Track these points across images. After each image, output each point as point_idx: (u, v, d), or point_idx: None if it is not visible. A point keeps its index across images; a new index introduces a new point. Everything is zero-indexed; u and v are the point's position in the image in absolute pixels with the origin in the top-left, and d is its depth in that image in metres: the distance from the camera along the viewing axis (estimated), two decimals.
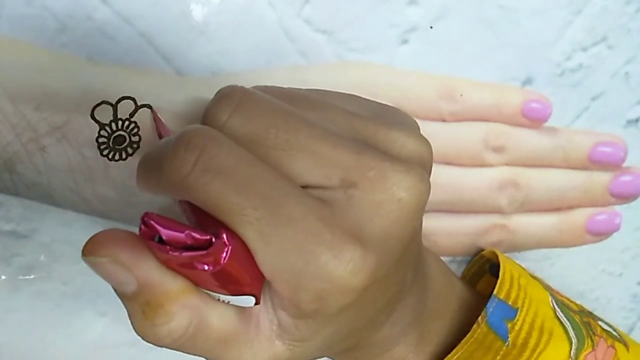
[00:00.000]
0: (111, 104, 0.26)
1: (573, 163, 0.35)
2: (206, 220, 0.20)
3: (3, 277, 0.29)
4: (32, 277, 0.30)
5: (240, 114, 0.21)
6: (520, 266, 0.33)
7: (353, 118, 0.23)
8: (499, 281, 0.30)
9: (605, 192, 0.36)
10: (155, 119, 0.27)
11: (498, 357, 0.28)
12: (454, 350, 0.28)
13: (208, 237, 0.20)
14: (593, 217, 0.37)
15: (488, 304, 0.29)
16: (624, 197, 0.37)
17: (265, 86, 0.24)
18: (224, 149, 0.20)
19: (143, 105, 0.27)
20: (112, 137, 0.27)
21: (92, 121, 0.26)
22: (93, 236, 0.21)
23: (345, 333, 0.24)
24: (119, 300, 0.23)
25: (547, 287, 0.33)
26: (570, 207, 0.36)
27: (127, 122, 0.27)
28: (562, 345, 0.29)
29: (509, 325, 0.29)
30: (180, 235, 0.20)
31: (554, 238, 0.36)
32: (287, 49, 0.29)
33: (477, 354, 0.28)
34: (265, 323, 0.22)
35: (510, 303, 0.30)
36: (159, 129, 0.26)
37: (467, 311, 0.30)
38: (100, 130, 0.26)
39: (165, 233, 0.19)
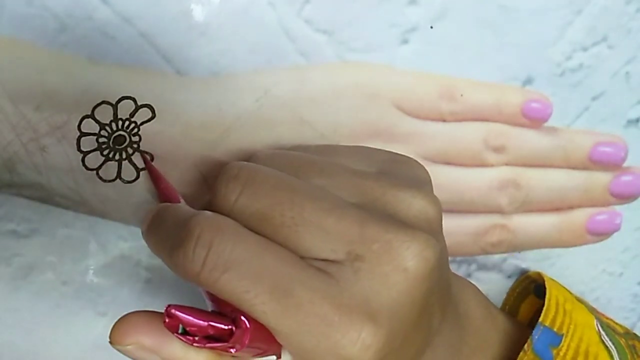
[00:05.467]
0: (111, 104, 0.26)
1: (573, 163, 0.35)
2: (223, 303, 0.22)
3: (3, 277, 0.29)
4: (32, 277, 0.30)
5: (248, 194, 0.23)
6: (566, 289, 0.34)
7: (360, 180, 0.24)
8: (544, 308, 0.31)
9: (606, 192, 0.36)
10: (152, 170, 0.27)
11: None
12: None
13: (229, 326, 0.21)
14: (593, 217, 0.37)
15: (534, 331, 0.29)
16: (624, 197, 0.37)
17: (273, 152, 0.25)
18: (230, 243, 0.21)
19: (143, 105, 0.27)
20: (112, 137, 0.27)
21: (92, 121, 0.26)
22: (117, 323, 0.22)
23: None
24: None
25: (593, 310, 0.33)
26: (571, 207, 0.36)
27: (127, 122, 0.27)
28: None
29: (554, 351, 0.29)
30: (202, 325, 0.21)
31: (554, 238, 0.36)
32: (287, 49, 0.29)
33: None
34: None
35: (555, 330, 0.30)
36: (157, 182, 0.26)
37: (509, 344, 0.30)
38: (100, 130, 0.26)
39: (188, 324, 0.21)
